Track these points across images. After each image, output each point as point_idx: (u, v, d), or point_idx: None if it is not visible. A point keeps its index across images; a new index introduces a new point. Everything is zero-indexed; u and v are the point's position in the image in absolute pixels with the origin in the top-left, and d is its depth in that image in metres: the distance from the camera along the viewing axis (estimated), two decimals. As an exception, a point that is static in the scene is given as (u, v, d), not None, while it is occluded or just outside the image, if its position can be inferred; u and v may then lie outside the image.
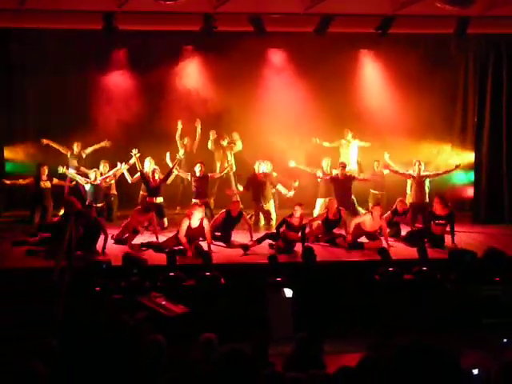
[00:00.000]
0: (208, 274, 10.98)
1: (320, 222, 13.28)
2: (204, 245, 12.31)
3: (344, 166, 14.69)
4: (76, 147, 15.12)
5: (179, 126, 15.35)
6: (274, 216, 14.60)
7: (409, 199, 14.52)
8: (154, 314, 9.82)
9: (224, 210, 13.27)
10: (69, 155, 15.10)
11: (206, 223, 12.54)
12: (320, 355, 6.78)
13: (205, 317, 10.09)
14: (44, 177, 14.14)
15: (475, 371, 5.52)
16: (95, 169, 14.32)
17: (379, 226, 12.87)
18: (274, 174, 14.90)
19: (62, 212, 13.48)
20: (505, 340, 7.85)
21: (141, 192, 14.84)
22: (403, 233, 13.53)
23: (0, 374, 4.13)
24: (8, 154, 15.46)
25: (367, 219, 12.93)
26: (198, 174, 14.47)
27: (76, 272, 10.77)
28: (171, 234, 12.85)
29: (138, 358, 2.02)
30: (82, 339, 1.99)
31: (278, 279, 11.02)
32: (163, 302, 9.97)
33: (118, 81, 15.47)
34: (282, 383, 5.16)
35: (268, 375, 5.12)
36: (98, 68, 15.31)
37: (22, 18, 12.92)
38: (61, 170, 14.13)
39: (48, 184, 14.11)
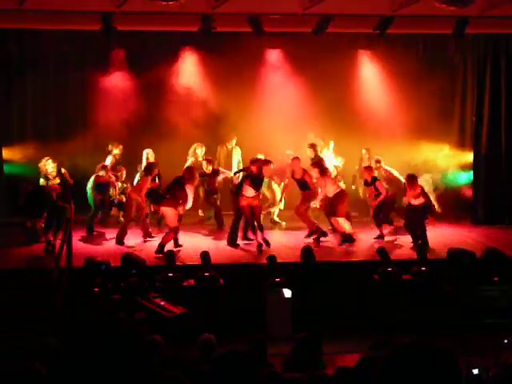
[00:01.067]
0: (207, 274, 10.98)
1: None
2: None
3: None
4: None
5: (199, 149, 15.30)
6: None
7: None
8: (152, 314, 9.83)
9: (245, 174, 13.39)
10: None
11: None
12: (319, 355, 6.79)
13: (204, 317, 10.10)
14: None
15: (475, 371, 5.53)
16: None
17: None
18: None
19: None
20: (505, 341, 7.85)
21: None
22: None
23: (0, 373, 4.13)
24: (6, 154, 15.43)
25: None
26: (206, 171, 14.56)
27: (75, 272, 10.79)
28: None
29: (136, 358, 2.01)
30: (81, 339, 1.98)
31: (277, 279, 11.02)
32: (162, 303, 9.98)
33: (117, 81, 15.44)
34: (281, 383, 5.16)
35: (267, 375, 5.12)
36: (97, 68, 15.27)
37: (21, 18, 12.92)
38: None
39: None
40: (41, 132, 15.35)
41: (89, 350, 2.02)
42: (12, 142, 15.44)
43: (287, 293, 10.90)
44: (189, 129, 15.22)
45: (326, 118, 15.32)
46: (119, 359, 2.03)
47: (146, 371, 2.11)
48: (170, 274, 10.93)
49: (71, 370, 2.01)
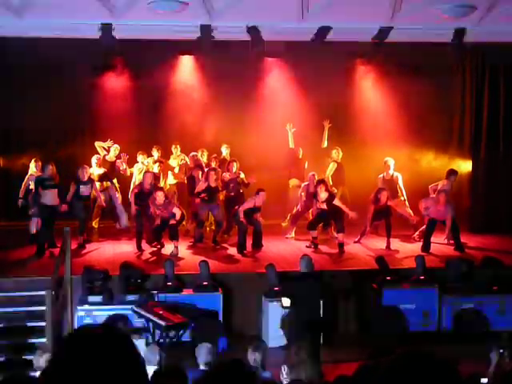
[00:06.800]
0: (205, 283, 10.96)
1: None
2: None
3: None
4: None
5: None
6: None
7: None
8: (151, 323, 9.82)
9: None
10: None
11: None
12: (317, 364, 6.77)
13: (202, 326, 10.08)
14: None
15: (484, 380, 5.50)
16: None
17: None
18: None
19: None
20: (501, 350, 7.86)
21: None
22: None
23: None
24: (5, 163, 15.42)
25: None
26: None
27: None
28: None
29: (133, 367, 2.01)
30: (77, 347, 1.97)
31: (276, 288, 11.00)
32: (161, 312, 9.95)
33: (117, 90, 15.49)
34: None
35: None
36: (97, 77, 15.33)
37: (20, 27, 12.91)
38: None
39: None
40: (40, 141, 15.36)
41: (85, 359, 2.01)
42: (11, 153, 15.45)
43: (286, 302, 10.88)
44: (186, 136, 15.28)
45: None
46: (116, 368, 2.02)
47: (143, 380, 2.10)
48: (169, 283, 10.91)
49: (66, 375, 2.00)
